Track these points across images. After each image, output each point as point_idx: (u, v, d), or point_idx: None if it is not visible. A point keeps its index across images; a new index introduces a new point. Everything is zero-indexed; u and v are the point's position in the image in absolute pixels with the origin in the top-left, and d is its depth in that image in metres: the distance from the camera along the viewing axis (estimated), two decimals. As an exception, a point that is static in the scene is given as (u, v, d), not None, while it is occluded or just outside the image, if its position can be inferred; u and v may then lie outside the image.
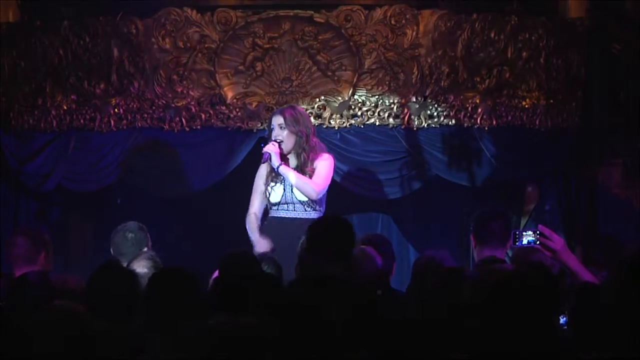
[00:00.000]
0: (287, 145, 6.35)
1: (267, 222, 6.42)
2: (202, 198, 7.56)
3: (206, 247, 7.39)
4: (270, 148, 6.30)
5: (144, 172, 7.53)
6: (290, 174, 6.28)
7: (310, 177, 6.31)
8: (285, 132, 6.36)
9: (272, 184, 6.40)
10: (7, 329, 3.22)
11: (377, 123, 7.40)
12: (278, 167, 6.28)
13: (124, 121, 7.42)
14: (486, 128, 7.46)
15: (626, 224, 7.48)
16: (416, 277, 4.95)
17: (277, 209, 6.40)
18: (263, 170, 6.48)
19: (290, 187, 6.34)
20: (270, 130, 6.42)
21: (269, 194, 6.40)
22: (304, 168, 6.34)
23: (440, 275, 4.45)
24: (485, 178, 7.53)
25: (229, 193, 7.50)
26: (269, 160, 6.31)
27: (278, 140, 6.33)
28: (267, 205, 6.44)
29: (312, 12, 7.32)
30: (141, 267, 5.19)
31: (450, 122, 7.44)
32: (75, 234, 7.81)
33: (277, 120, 6.39)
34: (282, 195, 6.37)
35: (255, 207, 6.46)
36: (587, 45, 7.66)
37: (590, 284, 3.94)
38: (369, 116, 7.40)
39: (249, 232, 6.33)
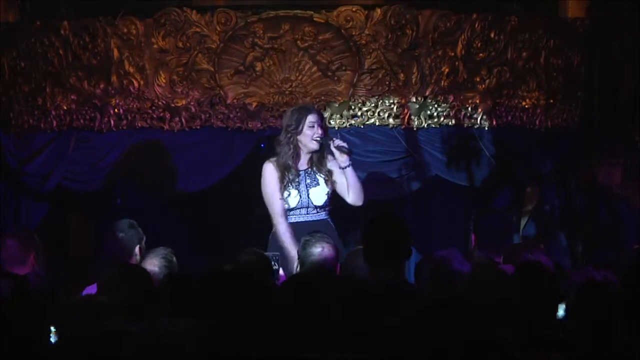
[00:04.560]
0: None
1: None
2: (201, 198, 7.56)
3: (206, 247, 7.39)
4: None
5: (144, 172, 7.52)
6: (354, 175, 6.39)
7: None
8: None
9: (286, 192, 6.36)
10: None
11: (377, 123, 7.39)
12: (347, 166, 6.36)
13: (124, 121, 7.41)
14: (486, 128, 7.46)
15: (626, 224, 7.48)
16: (431, 278, 4.87)
17: (290, 215, 6.37)
18: (272, 176, 6.41)
19: (306, 192, 6.34)
20: (306, 126, 6.37)
21: (284, 201, 6.37)
22: (320, 167, 6.40)
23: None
24: (485, 178, 7.52)
25: (228, 193, 7.50)
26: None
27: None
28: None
29: (312, 12, 7.31)
30: (152, 265, 5.12)
31: (450, 122, 7.43)
32: (75, 234, 7.80)
33: (319, 116, 6.45)
34: (299, 201, 6.35)
35: (280, 211, 6.35)
36: (587, 45, 7.67)
37: (594, 282, 3.95)
38: (369, 116, 7.39)
39: (286, 244, 6.21)
